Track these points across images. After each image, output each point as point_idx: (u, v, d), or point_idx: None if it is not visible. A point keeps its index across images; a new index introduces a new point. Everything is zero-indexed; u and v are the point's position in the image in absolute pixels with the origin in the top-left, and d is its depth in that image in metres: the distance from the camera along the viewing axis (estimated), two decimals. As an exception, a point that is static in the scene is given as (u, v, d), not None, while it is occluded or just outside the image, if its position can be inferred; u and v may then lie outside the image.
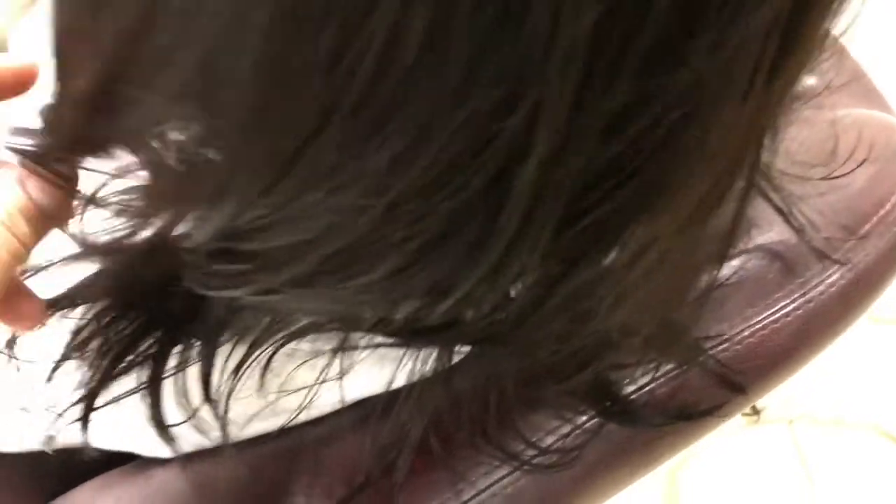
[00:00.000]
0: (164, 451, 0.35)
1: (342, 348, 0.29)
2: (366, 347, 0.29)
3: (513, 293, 0.24)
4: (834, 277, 0.38)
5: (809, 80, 0.44)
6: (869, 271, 0.39)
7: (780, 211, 0.34)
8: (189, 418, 0.30)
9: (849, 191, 0.40)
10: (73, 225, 0.28)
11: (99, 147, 0.23)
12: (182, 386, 0.30)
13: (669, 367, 0.35)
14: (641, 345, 0.33)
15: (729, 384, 0.35)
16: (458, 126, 0.17)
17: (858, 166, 0.39)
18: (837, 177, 0.38)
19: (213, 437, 0.32)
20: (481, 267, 0.20)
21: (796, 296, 0.37)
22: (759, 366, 0.36)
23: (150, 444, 0.35)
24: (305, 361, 0.30)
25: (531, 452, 0.33)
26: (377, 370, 0.31)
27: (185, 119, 0.20)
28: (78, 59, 0.21)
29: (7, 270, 0.26)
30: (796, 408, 1.07)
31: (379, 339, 0.28)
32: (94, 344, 0.30)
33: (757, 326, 0.36)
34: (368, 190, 0.19)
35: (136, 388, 0.30)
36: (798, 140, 0.35)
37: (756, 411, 1.07)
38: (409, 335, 0.27)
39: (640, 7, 0.16)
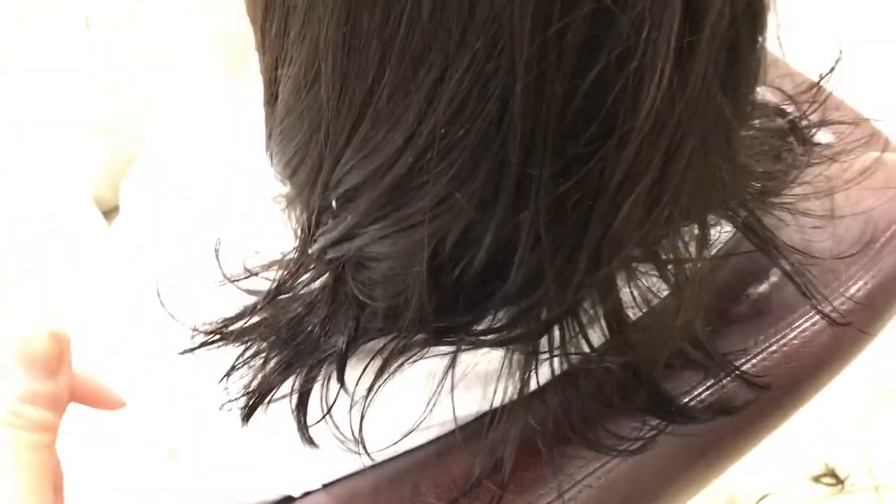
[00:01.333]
0: (311, 482, 0.43)
1: (452, 363, 0.35)
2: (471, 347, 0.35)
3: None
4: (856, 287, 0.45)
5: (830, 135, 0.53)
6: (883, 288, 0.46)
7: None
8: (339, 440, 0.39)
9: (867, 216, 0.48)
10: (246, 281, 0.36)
11: None
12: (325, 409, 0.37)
13: (711, 381, 0.43)
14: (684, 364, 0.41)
15: (757, 387, 0.42)
16: (468, 63, 0.23)
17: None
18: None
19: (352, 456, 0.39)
20: (504, 190, 0.26)
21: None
22: (789, 372, 0.43)
23: (298, 478, 0.43)
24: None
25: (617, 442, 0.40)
26: (480, 389, 0.40)
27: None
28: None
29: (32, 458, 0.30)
30: (881, 475, 1.08)
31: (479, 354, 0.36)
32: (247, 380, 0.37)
33: (783, 340, 0.44)
34: (413, 123, 0.25)
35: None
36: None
37: (839, 480, 1.08)
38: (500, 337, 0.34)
39: None
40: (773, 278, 0.46)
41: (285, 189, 0.35)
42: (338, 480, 0.43)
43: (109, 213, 0.80)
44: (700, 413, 0.41)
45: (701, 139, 0.28)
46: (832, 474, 1.10)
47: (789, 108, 0.44)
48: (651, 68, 0.25)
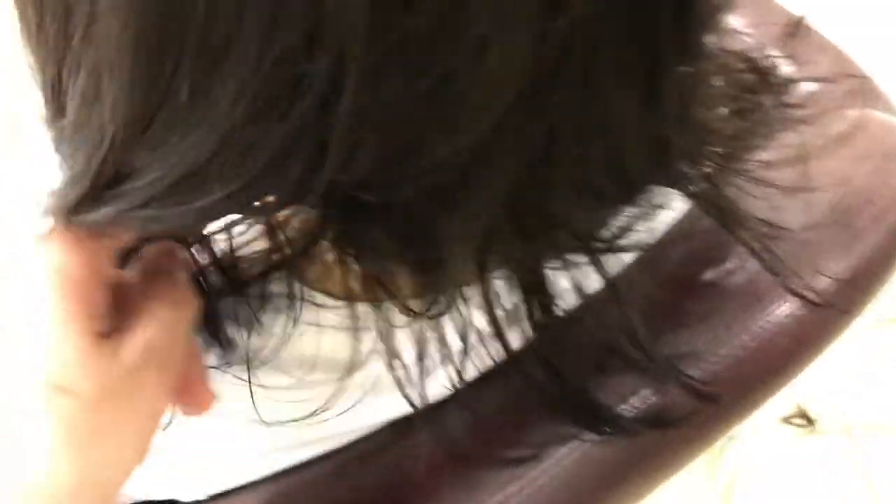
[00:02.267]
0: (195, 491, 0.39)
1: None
2: None
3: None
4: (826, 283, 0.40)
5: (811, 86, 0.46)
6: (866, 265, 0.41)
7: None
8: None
9: (847, 188, 0.42)
10: None
11: None
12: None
13: (649, 388, 0.37)
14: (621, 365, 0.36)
15: (703, 397, 0.37)
16: (277, 59, 0.20)
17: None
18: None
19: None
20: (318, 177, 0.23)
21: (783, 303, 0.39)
22: (741, 377, 0.38)
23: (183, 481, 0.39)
24: None
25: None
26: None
27: None
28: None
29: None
30: (853, 416, 1.06)
31: None
32: None
33: (738, 342, 0.38)
34: (212, 123, 0.22)
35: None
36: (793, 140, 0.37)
37: (810, 421, 1.06)
38: None
39: None
40: (730, 264, 0.40)
41: None
42: (224, 493, 0.38)
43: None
44: (630, 424, 0.36)
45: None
46: (803, 415, 1.07)
47: (759, 54, 0.37)
48: None
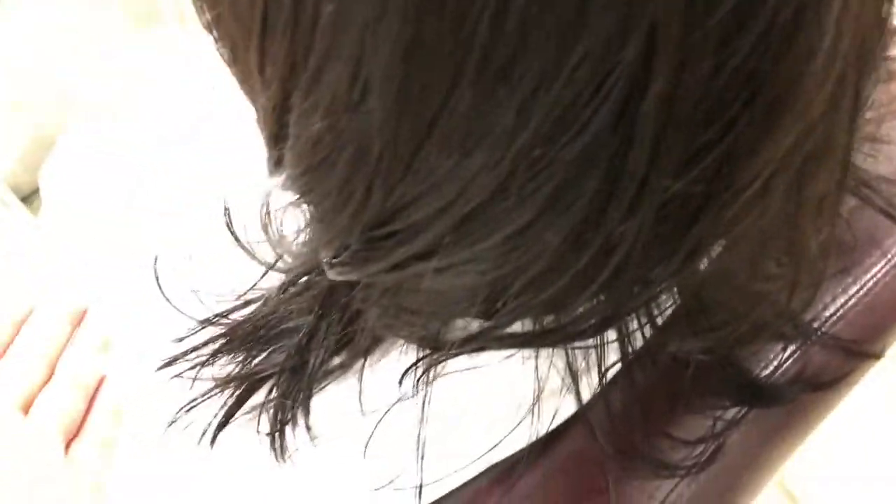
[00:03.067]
0: None
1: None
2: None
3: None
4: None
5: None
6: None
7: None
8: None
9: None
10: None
11: None
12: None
13: (793, 347, 0.37)
14: (756, 331, 0.36)
15: (850, 353, 0.37)
16: (577, 62, 0.18)
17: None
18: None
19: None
20: (611, 215, 0.20)
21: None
22: (881, 322, 0.38)
23: None
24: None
25: (686, 456, 0.35)
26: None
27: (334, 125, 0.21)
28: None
29: None
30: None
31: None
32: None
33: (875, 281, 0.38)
34: (496, 146, 0.19)
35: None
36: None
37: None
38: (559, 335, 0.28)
39: None
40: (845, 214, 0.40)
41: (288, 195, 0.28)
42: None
43: (27, 198, 0.77)
44: (787, 390, 0.36)
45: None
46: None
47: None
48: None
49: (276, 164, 0.25)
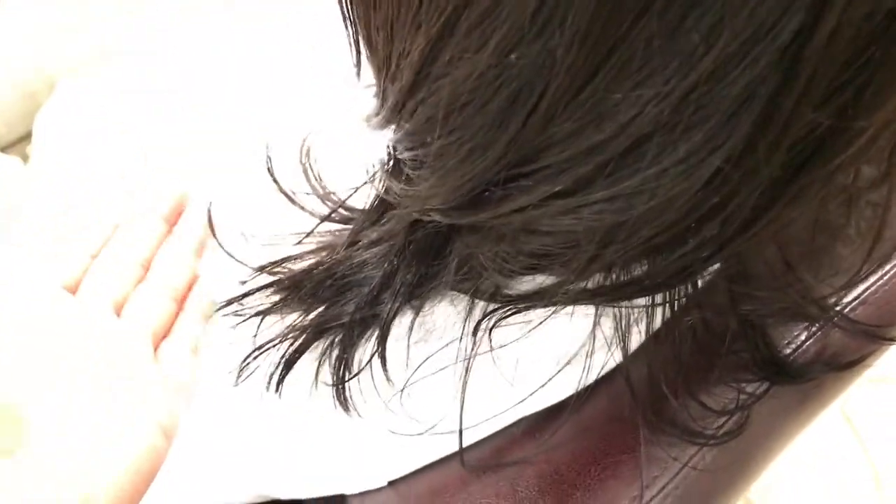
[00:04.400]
0: (373, 479, 0.37)
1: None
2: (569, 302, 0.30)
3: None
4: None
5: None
6: None
7: None
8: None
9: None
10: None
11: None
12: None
13: (815, 327, 0.38)
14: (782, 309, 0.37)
15: (868, 336, 0.38)
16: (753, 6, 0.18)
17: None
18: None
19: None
20: (771, 129, 0.20)
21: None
22: (894, 310, 0.39)
23: (355, 474, 0.37)
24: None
25: (712, 424, 0.36)
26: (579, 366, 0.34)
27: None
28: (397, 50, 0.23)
29: None
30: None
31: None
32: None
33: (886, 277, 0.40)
34: (673, 76, 0.19)
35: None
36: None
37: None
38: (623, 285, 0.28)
39: None
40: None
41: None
42: (408, 476, 0.36)
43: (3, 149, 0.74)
44: (805, 369, 0.37)
45: None
46: None
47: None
48: None
49: (395, 114, 0.25)
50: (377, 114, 0.27)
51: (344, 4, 0.26)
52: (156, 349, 0.34)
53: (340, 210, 0.35)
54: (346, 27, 0.27)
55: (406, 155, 0.26)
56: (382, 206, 0.32)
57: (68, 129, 0.53)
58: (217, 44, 0.50)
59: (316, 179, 0.36)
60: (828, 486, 1.01)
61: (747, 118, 0.20)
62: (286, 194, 0.36)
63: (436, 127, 0.23)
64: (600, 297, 0.30)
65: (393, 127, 0.26)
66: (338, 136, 0.37)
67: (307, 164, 0.37)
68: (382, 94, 0.26)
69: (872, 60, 0.20)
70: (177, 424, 0.32)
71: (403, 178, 0.28)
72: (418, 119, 0.24)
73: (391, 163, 0.29)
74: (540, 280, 0.32)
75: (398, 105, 0.25)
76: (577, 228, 0.24)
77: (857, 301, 0.39)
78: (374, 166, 0.32)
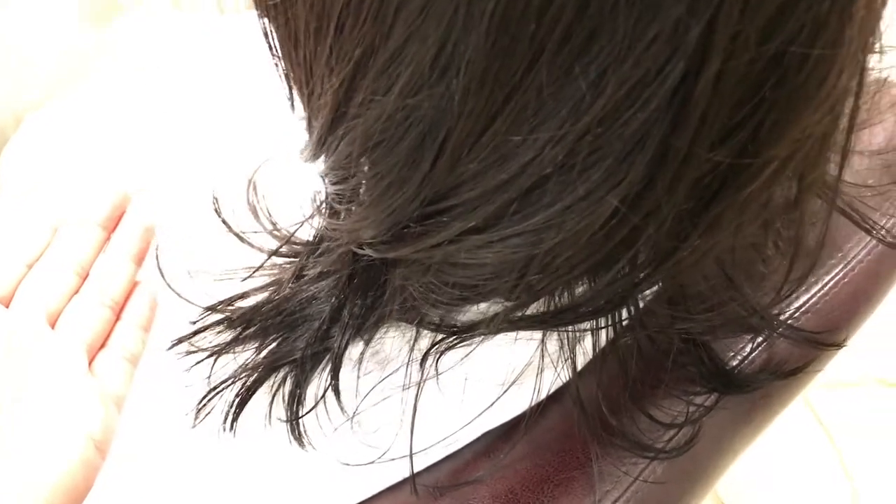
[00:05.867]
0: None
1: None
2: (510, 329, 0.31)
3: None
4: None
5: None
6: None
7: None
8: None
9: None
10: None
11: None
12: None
13: (760, 339, 0.40)
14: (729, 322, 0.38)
15: (814, 343, 0.39)
16: (649, 42, 0.19)
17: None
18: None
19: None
20: (668, 167, 0.21)
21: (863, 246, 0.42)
22: (838, 317, 0.41)
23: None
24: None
25: (662, 437, 0.37)
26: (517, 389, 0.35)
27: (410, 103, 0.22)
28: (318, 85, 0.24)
29: None
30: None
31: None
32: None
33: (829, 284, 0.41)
34: (565, 120, 0.20)
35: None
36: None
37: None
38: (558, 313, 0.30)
39: None
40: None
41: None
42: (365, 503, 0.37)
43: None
44: (752, 379, 0.38)
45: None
46: None
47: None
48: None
49: (319, 148, 0.26)
50: (306, 147, 0.28)
51: (270, 39, 0.27)
52: (92, 360, 0.34)
53: (289, 244, 0.35)
54: (274, 61, 0.28)
55: (332, 189, 0.27)
56: (322, 239, 0.33)
57: (34, 164, 0.53)
58: (179, 75, 0.51)
59: (264, 215, 0.37)
60: (801, 488, 1.02)
61: (642, 158, 0.21)
62: (236, 234, 0.37)
63: (354, 163, 0.24)
64: (544, 323, 0.31)
65: (321, 160, 0.27)
66: (284, 168, 0.37)
67: (254, 202, 0.37)
68: (309, 128, 0.27)
69: (765, 100, 0.21)
70: (111, 438, 0.32)
71: (333, 212, 0.29)
72: (340, 154, 0.25)
73: (324, 196, 0.30)
74: (483, 308, 0.32)
75: (321, 139, 0.26)
76: (494, 262, 0.25)
77: (800, 311, 0.41)
78: (314, 199, 0.33)
